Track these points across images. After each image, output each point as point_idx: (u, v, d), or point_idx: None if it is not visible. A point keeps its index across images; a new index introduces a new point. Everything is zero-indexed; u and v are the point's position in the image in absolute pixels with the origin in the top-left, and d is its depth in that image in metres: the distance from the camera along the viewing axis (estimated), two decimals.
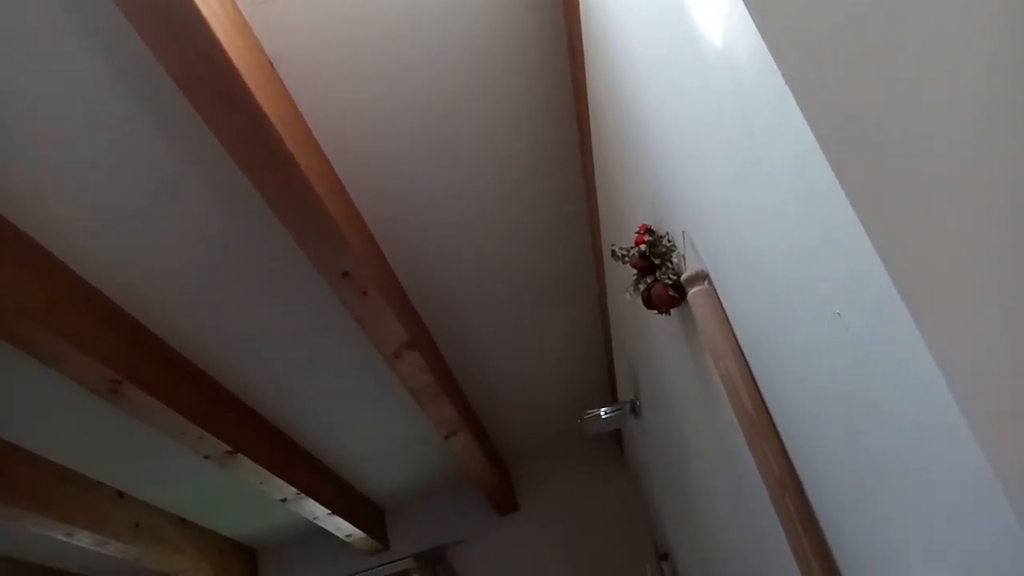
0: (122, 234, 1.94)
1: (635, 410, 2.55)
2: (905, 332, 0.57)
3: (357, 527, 3.50)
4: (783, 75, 0.66)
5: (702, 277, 1.10)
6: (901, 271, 0.58)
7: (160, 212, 1.91)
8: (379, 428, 3.20)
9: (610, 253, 1.38)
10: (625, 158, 1.53)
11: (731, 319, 1.05)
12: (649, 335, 1.84)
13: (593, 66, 1.59)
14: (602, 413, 2.57)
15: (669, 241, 1.26)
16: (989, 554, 0.56)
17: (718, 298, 1.07)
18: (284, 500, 3.03)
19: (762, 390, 0.99)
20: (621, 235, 1.68)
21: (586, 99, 1.76)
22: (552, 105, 1.92)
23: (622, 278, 1.90)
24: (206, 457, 2.56)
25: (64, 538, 2.80)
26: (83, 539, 2.85)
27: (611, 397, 3.42)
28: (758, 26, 0.68)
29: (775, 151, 0.73)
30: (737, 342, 1.03)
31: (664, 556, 3.04)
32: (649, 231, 1.31)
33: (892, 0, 0.58)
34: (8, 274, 1.77)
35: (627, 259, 1.32)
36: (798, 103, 0.65)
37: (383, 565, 3.88)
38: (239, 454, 2.58)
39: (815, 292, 0.73)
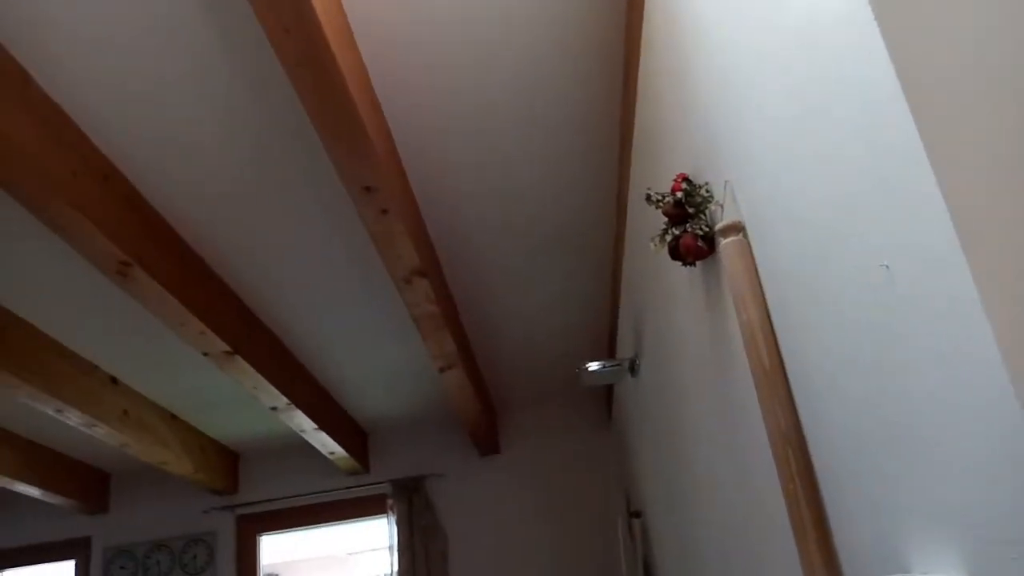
0: (149, 117, 1.92)
1: (633, 368, 2.57)
2: (963, 294, 0.55)
3: (341, 446, 3.56)
4: (875, 16, 0.64)
5: (738, 228, 1.09)
6: (970, 236, 0.56)
7: (192, 99, 1.89)
8: (376, 352, 3.23)
9: (644, 198, 1.37)
10: (672, 104, 1.51)
11: (760, 271, 1.05)
12: (665, 288, 1.84)
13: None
14: (601, 366, 2.59)
15: (707, 191, 1.25)
16: (1002, 523, 0.56)
17: (751, 250, 1.07)
18: (275, 408, 3.08)
19: (780, 343, 0.99)
20: (653, 186, 1.66)
21: (639, 39, 1.72)
22: (601, 43, 1.88)
23: (644, 231, 1.89)
24: (205, 354, 2.58)
25: (54, 414, 2.85)
26: (72, 417, 2.90)
27: (608, 354, 3.44)
28: None
29: (849, 97, 0.71)
30: (763, 294, 1.03)
31: (636, 514, 3.10)
32: (687, 180, 1.30)
33: None
34: (33, 139, 1.75)
35: (661, 205, 1.31)
36: (888, 48, 0.63)
37: (361, 486, 3.96)
38: (237, 356, 2.61)
39: (863, 244, 0.73)
